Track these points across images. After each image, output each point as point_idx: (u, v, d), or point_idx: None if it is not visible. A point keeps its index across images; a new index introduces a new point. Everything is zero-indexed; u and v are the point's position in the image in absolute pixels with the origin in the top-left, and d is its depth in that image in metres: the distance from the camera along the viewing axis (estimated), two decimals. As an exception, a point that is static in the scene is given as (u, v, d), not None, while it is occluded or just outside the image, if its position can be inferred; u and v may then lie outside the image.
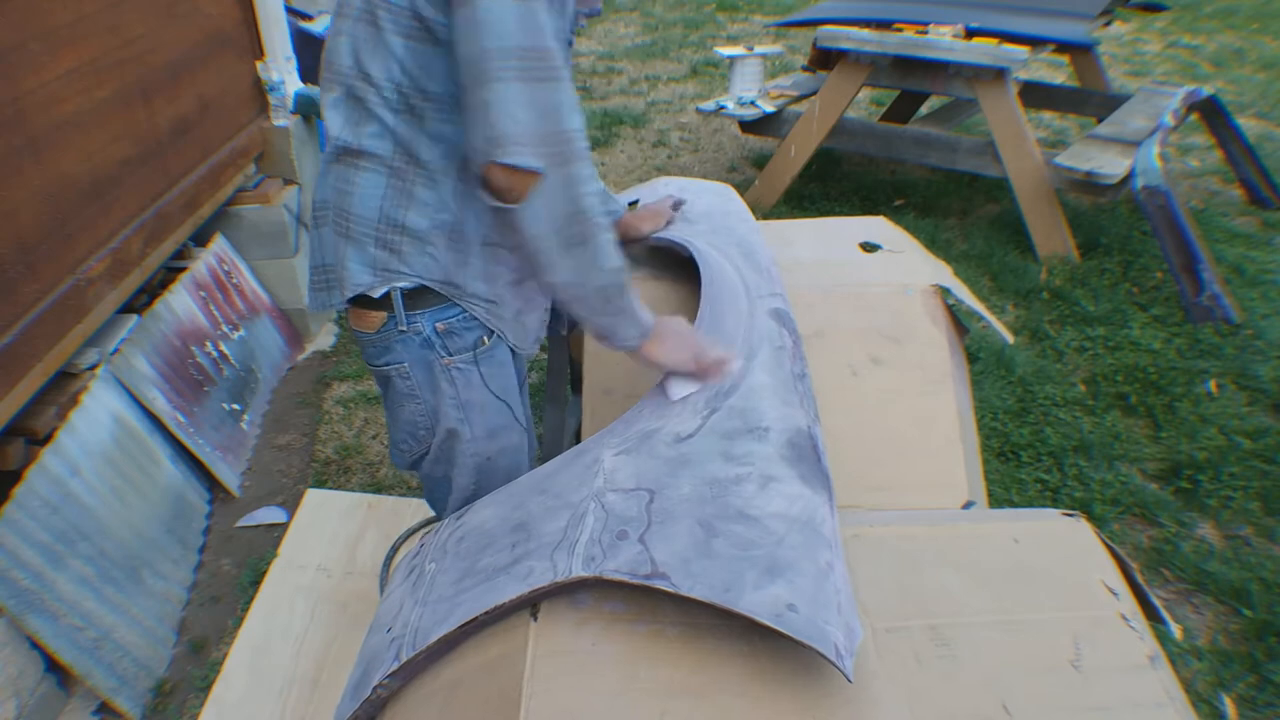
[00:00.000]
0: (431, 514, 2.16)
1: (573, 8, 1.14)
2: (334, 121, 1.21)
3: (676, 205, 1.71)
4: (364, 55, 1.15)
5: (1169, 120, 3.59)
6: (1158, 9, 5.10)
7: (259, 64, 2.99)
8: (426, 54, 1.12)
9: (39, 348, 1.95)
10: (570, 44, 1.17)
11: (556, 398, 2.08)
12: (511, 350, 1.37)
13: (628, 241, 1.63)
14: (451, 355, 1.29)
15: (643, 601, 0.96)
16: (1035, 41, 3.62)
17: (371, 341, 1.31)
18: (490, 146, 1.04)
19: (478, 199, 1.16)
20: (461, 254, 1.24)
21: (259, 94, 3.02)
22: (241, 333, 2.84)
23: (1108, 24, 4.56)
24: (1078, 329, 3.14)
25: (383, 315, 1.27)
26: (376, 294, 1.25)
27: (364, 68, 1.15)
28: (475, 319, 1.28)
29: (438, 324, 1.26)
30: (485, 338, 1.30)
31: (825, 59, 4.05)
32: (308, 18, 3.64)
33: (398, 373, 1.31)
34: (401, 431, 1.40)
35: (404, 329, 1.27)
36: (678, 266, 1.67)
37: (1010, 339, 1.79)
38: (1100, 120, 3.98)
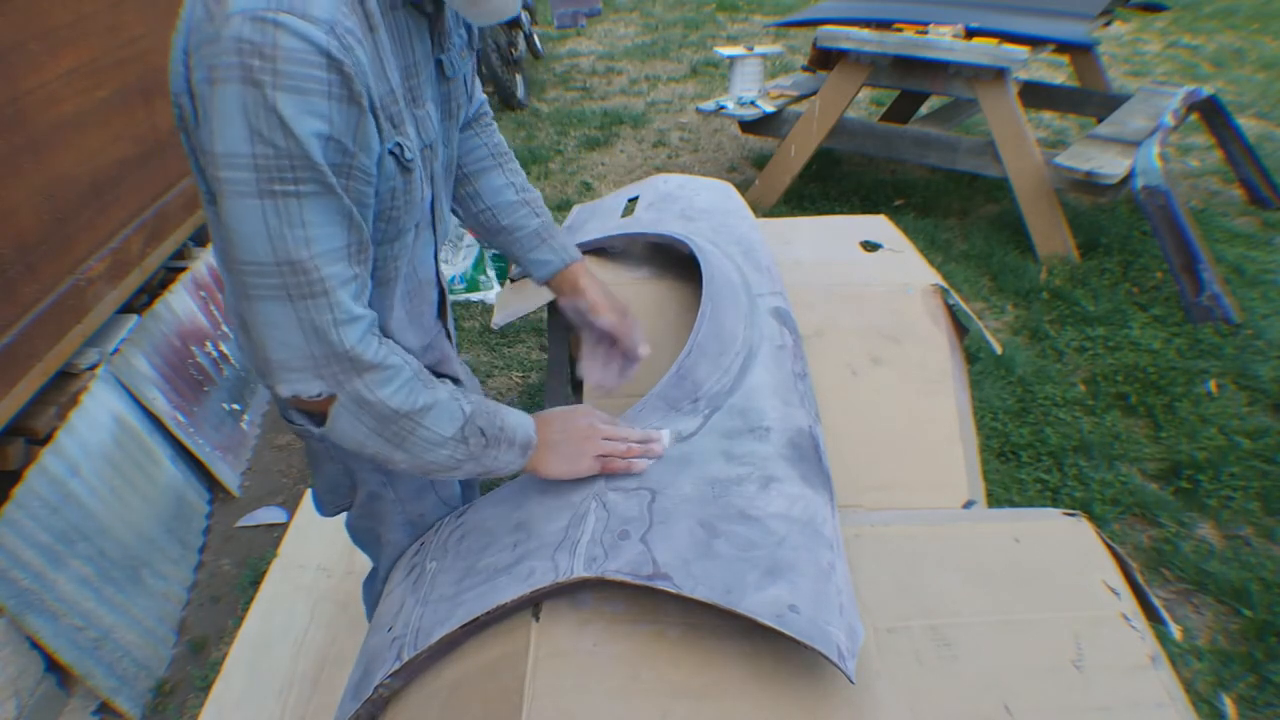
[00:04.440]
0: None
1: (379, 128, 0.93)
2: (210, 218, 1.04)
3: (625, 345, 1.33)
4: (199, 165, 0.97)
5: (1169, 120, 3.59)
6: (1158, 9, 5.10)
7: (259, 64, 2.99)
8: None
9: (39, 348, 1.95)
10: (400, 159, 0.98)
11: (556, 398, 2.08)
12: None
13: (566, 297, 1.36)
14: None
15: (644, 602, 0.96)
16: (1035, 41, 3.62)
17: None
18: (267, 374, 0.93)
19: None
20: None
21: (259, 94, 3.02)
22: (241, 333, 2.84)
23: (1108, 24, 4.56)
24: (1078, 329, 3.14)
25: None
26: None
27: (203, 183, 0.99)
28: None
29: None
30: None
31: (825, 59, 4.05)
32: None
33: (311, 435, 1.15)
34: (323, 487, 1.29)
35: None
36: (678, 265, 1.67)
37: (999, 350, 1.79)
38: (1100, 120, 3.99)
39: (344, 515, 1.35)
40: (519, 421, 1.07)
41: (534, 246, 1.33)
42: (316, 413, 0.96)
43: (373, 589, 1.40)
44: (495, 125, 1.34)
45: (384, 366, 0.93)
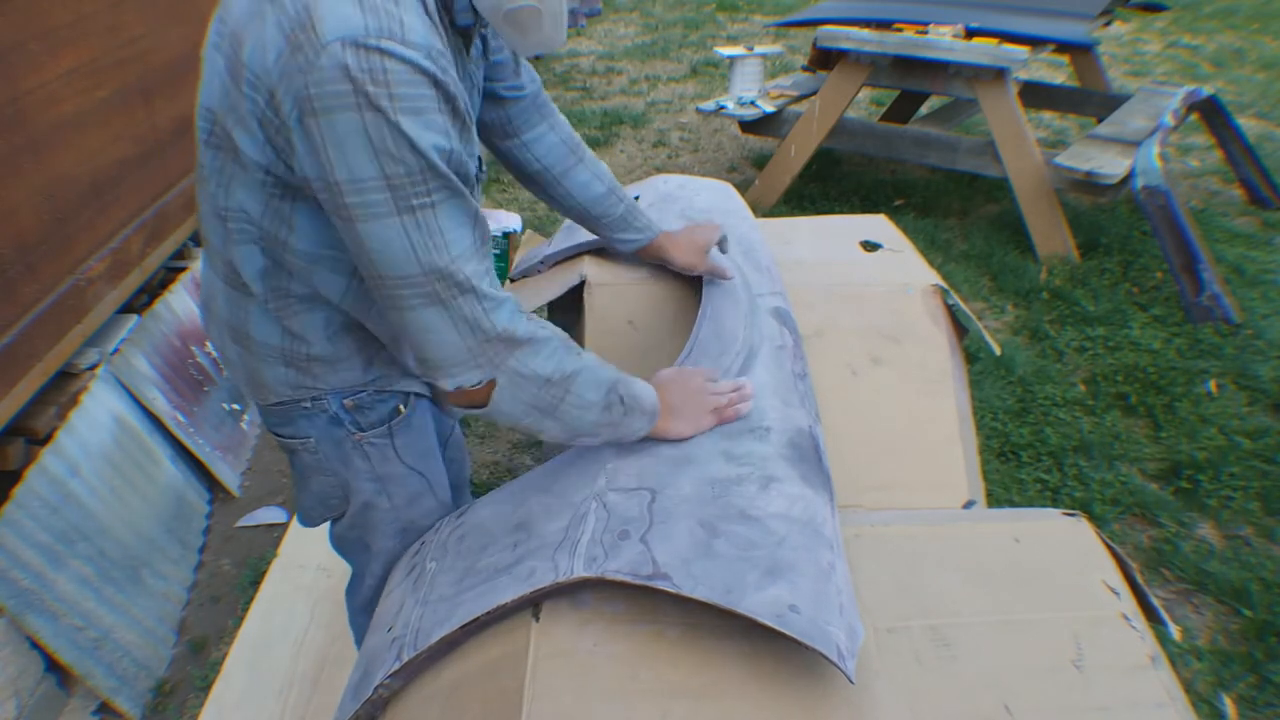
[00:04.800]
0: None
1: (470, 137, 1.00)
2: (213, 235, 1.07)
3: (722, 244, 1.55)
4: (226, 185, 1.00)
5: (1169, 120, 3.59)
6: (1158, 9, 5.10)
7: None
8: (282, 209, 0.99)
9: (39, 348, 1.95)
10: (481, 171, 1.07)
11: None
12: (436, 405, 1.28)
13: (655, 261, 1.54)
14: (363, 431, 1.18)
15: (644, 602, 0.96)
16: (1035, 41, 3.62)
17: (271, 410, 1.19)
18: (430, 372, 0.99)
19: (373, 311, 1.09)
20: (376, 353, 1.15)
21: (259, 94, 3.02)
22: (241, 333, 2.84)
23: (1108, 24, 4.57)
24: (1078, 329, 3.14)
25: None
26: None
27: (228, 201, 1.01)
28: (388, 391, 1.18)
29: (345, 401, 1.16)
30: (401, 406, 1.20)
31: (825, 59, 4.05)
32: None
33: (303, 447, 1.20)
34: (310, 500, 1.28)
35: (308, 406, 1.16)
36: (678, 266, 1.67)
37: (998, 351, 1.79)
38: (1100, 120, 3.98)
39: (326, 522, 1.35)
40: (645, 390, 1.12)
41: (621, 229, 1.46)
42: (474, 402, 1.00)
43: (356, 596, 1.40)
44: (558, 110, 1.38)
45: (534, 340, 0.98)
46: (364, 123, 0.84)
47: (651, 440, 1.17)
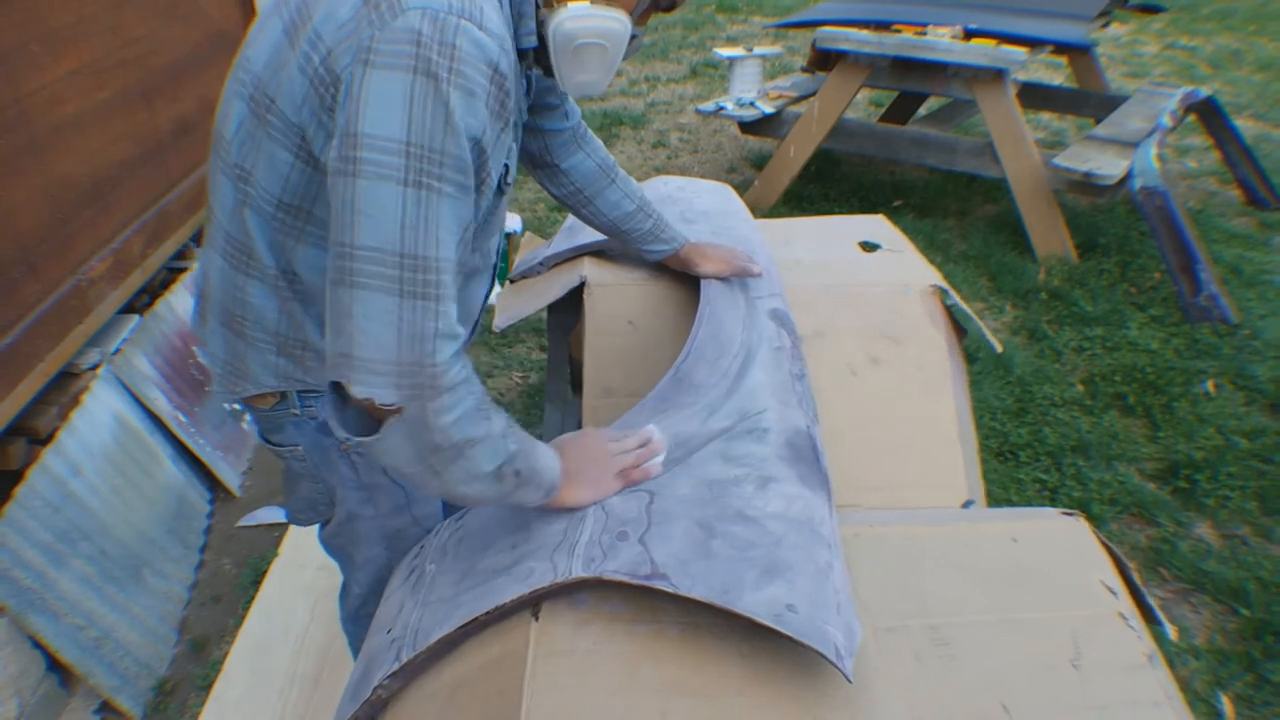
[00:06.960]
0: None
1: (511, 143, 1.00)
2: (223, 199, 1.03)
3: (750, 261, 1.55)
4: (248, 146, 0.98)
5: (1167, 121, 3.59)
6: (1155, 10, 5.11)
7: (259, 64, 2.99)
8: (314, 179, 0.96)
9: (40, 348, 1.96)
10: (508, 181, 1.05)
11: (556, 398, 2.08)
12: None
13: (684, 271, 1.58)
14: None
15: (643, 602, 0.96)
16: (1033, 43, 3.63)
17: (263, 416, 1.18)
18: (344, 368, 0.87)
19: None
20: None
21: (259, 94, 3.02)
22: (242, 333, 2.85)
23: (1106, 25, 4.57)
24: (1076, 329, 3.14)
25: (275, 396, 1.15)
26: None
27: (246, 162, 0.98)
28: None
29: None
30: None
31: (824, 60, 4.05)
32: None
33: (291, 454, 1.19)
34: (299, 503, 1.28)
35: (297, 413, 1.15)
36: (677, 267, 1.67)
37: (999, 349, 1.80)
38: (1098, 121, 3.99)
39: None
40: (549, 464, 1.02)
41: (648, 241, 1.53)
42: (368, 424, 0.92)
43: (345, 605, 1.40)
44: (596, 138, 1.43)
45: (454, 392, 0.89)
46: (412, 86, 0.83)
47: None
